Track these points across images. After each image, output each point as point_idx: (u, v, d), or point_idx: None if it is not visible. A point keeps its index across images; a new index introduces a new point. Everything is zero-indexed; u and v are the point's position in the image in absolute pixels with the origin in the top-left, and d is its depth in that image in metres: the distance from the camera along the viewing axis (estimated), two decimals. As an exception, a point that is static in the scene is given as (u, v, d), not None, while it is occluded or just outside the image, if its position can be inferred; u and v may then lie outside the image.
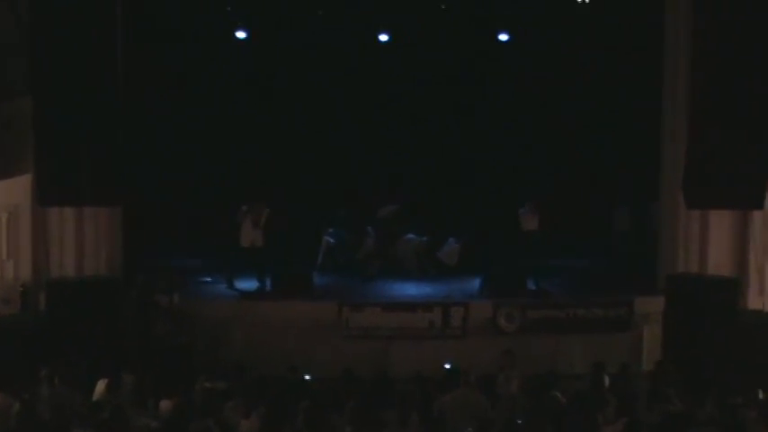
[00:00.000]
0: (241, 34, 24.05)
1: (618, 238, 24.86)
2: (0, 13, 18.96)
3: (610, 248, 24.55)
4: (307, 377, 16.98)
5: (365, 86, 25.80)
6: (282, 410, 13.30)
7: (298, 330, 19.71)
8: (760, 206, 19.11)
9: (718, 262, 20.25)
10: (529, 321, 20.14)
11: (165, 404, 13.89)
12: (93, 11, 18.02)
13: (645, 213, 24.11)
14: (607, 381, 15.58)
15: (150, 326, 18.93)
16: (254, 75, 25.16)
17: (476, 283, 22.00)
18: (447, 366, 17.32)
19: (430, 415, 13.56)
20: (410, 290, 22.48)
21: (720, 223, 20.25)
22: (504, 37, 24.95)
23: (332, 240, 24.03)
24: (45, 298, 19.01)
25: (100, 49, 18.07)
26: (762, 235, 20.15)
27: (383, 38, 24.80)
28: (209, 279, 22.22)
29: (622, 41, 23.60)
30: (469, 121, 26.09)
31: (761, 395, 14.76)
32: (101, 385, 14.66)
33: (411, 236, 24.06)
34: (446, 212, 25.25)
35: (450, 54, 25.38)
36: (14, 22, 18.78)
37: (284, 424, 12.88)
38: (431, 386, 15.51)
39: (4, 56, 18.92)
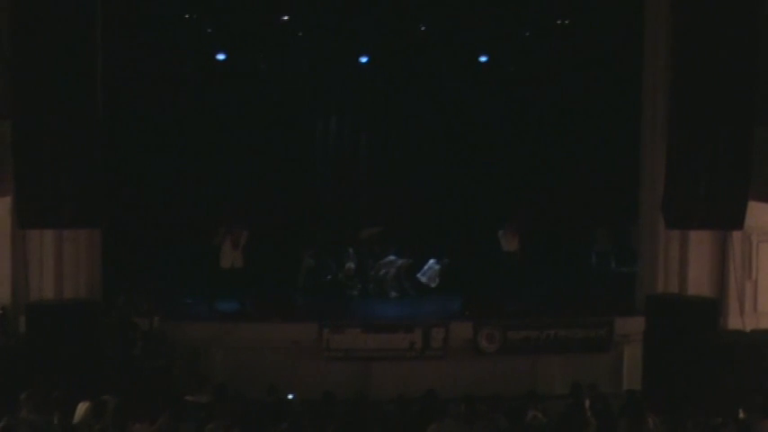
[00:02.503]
0: (221, 56, 24.16)
1: (598, 258, 24.91)
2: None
3: (590, 269, 24.57)
4: (290, 396, 16.94)
5: (346, 108, 25.92)
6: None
7: (278, 352, 19.67)
8: (740, 226, 19.14)
9: (698, 282, 20.27)
10: (509, 342, 20.16)
11: (138, 428, 13.78)
12: (74, 34, 17.99)
13: (625, 234, 24.16)
14: (587, 401, 15.58)
15: (130, 349, 18.88)
16: (235, 97, 25.14)
17: (456, 304, 22.01)
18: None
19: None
20: (391, 311, 22.51)
21: (700, 243, 20.27)
22: (483, 58, 25.10)
23: (313, 261, 24.01)
24: (25, 321, 18.92)
25: (80, 71, 18.02)
26: (741, 255, 20.21)
27: (363, 59, 24.93)
28: (189, 301, 22.16)
29: (602, 63, 23.68)
30: (449, 143, 26.16)
31: (741, 415, 14.77)
32: (81, 408, 14.59)
33: (392, 257, 24.05)
34: (427, 234, 25.29)
35: (431, 76, 25.46)
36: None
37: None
38: (412, 408, 15.51)
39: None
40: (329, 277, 24.12)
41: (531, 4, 23.58)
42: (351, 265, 23.94)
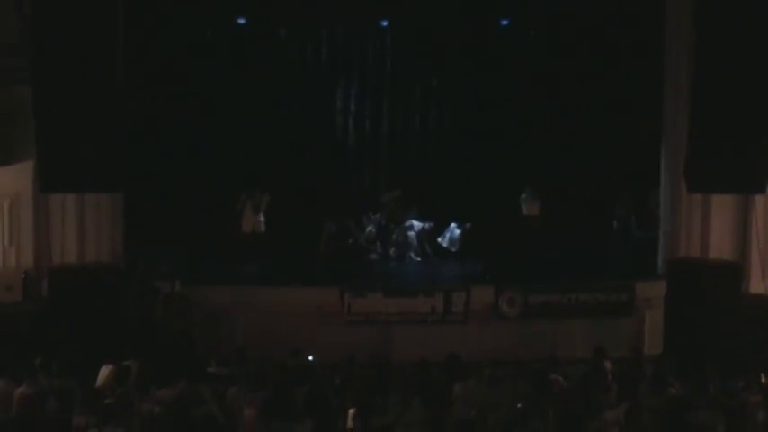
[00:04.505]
0: (241, 20, 24.16)
1: (620, 222, 24.81)
2: (1, 1, 18.95)
3: (612, 233, 24.49)
4: (310, 358, 16.96)
5: (367, 72, 25.84)
6: (284, 395, 13.30)
7: (299, 316, 19.68)
8: (762, 190, 19.02)
9: (720, 246, 20.22)
10: (530, 306, 20.17)
11: (163, 392, 13.81)
12: (95, -1, 18.00)
13: (647, 197, 24.05)
14: (609, 365, 15.57)
15: (152, 312, 18.94)
16: (255, 62, 25.11)
17: (477, 268, 22.00)
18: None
19: (432, 400, 13.57)
20: (412, 275, 22.51)
21: (722, 207, 20.21)
22: (504, 22, 25.03)
23: (334, 226, 24.00)
24: (47, 285, 19.01)
25: (101, 35, 17.98)
26: (764, 219, 20.09)
27: (384, 23, 24.88)
28: (210, 265, 22.17)
29: (624, 26, 23.51)
30: (471, 107, 26.03)
31: (763, 379, 14.74)
32: (104, 371, 14.64)
33: (413, 221, 24.04)
34: (448, 198, 25.24)
35: (452, 39, 25.36)
36: (16, 10, 18.75)
37: (286, 408, 12.88)
38: (433, 371, 15.53)
39: (5, 43, 18.90)
40: (350, 241, 24.12)
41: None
42: (372, 229, 23.94)
